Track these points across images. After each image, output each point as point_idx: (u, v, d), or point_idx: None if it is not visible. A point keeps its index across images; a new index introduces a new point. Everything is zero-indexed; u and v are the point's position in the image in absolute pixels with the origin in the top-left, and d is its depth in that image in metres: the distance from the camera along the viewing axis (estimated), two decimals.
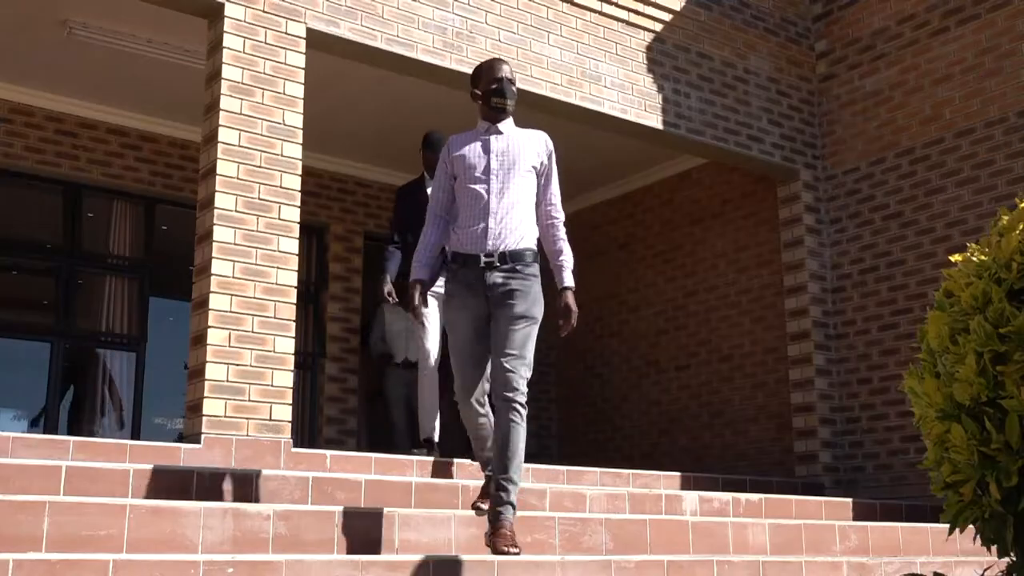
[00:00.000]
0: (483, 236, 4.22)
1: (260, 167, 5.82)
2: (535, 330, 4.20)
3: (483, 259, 4.21)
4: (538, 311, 4.21)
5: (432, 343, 6.15)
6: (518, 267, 4.20)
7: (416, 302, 4.31)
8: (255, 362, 5.58)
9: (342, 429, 9.29)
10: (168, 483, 4.41)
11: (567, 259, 4.40)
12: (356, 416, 9.42)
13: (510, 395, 4.04)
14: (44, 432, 8.21)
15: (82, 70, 7.86)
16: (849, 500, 6.72)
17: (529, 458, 10.03)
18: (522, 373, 4.08)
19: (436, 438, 6.30)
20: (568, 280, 4.36)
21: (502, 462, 4.03)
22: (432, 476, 5.68)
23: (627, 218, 10.08)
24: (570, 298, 4.30)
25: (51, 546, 3.43)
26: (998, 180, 7.43)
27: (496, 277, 4.19)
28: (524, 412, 4.06)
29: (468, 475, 5.87)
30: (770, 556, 4.88)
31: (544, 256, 4.46)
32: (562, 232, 4.45)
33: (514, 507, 4.02)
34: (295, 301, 5.85)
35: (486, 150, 4.39)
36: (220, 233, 5.62)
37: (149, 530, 3.63)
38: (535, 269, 4.26)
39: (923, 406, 2.49)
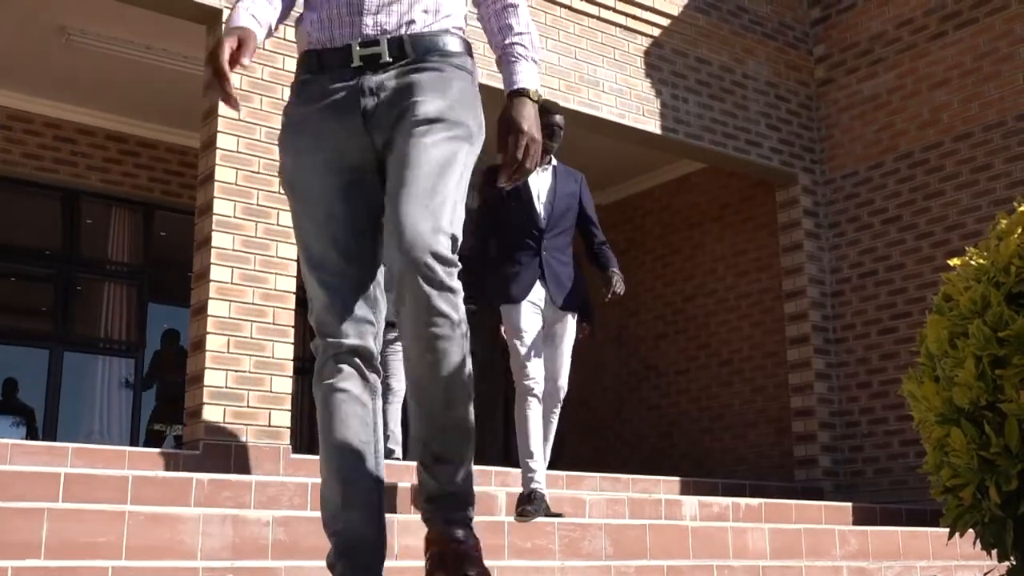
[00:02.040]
0: (356, 9, 2.26)
1: (258, 173, 5.82)
2: (464, 154, 2.21)
3: (357, 52, 2.25)
4: (469, 118, 2.25)
5: (535, 365, 4.84)
6: (430, 59, 2.26)
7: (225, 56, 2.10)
8: (254, 368, 5.57)
9: None
10: (167, 490, 4.40)
11: (527, 42, 2.33)
12: None
13: (424, 272, 2.05)
14: (43, 439, 8.20)
15: (80, 76, 7.87)
16: (849, 504, 6.71)
17: None
18: (443, 227, 2.10)
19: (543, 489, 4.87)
20: (524, 78, 2.29)
21: (429, 425, 2.13)
22: None
23: (626, 223, 10.08)
24: (523, 109, 2.22)
25: (50, 553, 3.42)
26: (996, 184, 7.43)
27: (384, 81, 2.24)
28: (456, 319, 2.08)
29: None
30: (770, 561, 4.87)
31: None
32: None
33: (460, 512, 2.16)
34: (294, 307, 5.84)
35: None
36: (219, 239, 5.62)
37: (148, 537, 3.62)
38: (463, 62, 2.32)
39: (922, 410, 2.49)
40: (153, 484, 4.37)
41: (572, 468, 7.09)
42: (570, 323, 5.03)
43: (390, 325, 5.61)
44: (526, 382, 4.84)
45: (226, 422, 5.44)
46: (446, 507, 2.14)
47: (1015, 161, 7.35)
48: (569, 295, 4.97)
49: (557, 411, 5.08)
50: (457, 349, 2.09)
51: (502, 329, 5.83)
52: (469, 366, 2.13)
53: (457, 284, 2.10)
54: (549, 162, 5.04)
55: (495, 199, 4.96)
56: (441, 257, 2.07)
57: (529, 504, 4.70)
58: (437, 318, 2.06)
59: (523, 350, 4.82)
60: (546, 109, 4.91)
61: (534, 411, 4.83)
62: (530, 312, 4.85)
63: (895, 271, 7.96)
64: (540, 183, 5.00)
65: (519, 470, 5.33)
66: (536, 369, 4.81)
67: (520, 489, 4.95)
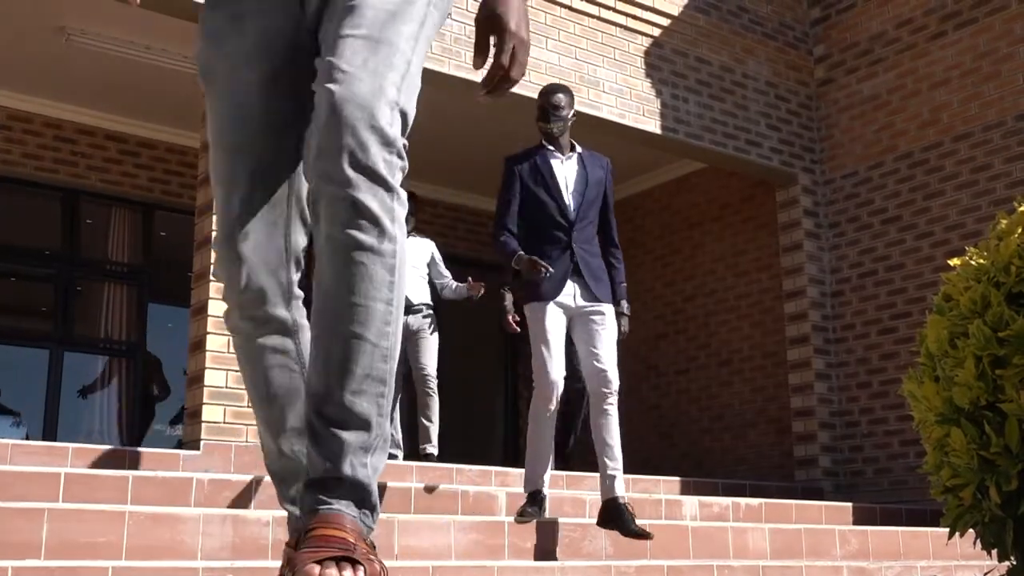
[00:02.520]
0: None
1: None
2: (424, 3, 1.67)
3: None
4: None
5: (557, 369, 4.61)
6: None
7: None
8: None
9: None
10: (167, 490, 4.40)
11: None
12: None
13: (351, 146, 1.51)
14: (43, 439, 8.20)
15: (80, 76, 7.87)
16: (849, 504, 6.71)
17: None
18: (386, 90, 1.56)
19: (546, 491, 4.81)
20: None
21: (325, 371, 1.56)
22: (432, 482, 5.67)
23: (626, 223, 10.07)
24: (509, 2, 1.70)
25: (50, 553, 3.42)
26: (996, 184, 7.43)
27: None
28: (389, 230, 1.53)
29: (468, 481, 5.87)
30: (770, 561, 4.87)
31: None
32: None
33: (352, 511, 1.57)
34: None
35: None
36: None
37: (148, 537, 3.62)
38: None
39: (922, 410, 2.49)
40: (153, 484, 4.37)
41: (573, 469, 7.09)
42: (609, 313, 4.66)
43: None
44: (546, 387, 4.56)
45: (226, 422, 5.44)
46: (330, 495, 1.51)
47: (1015, 161, 7.35)
48: (605, 286, 4.69)
49: (612, 405, 4.60)
50: (383, 273, 1.53)
51: (509, 317, 5.68)
52: (396, 307, 1.56)
53: (398, 183, 1.54)
54: (572, 148, 4.82)
55: (522, 191, 4.68)
56: (380, 132, 1.52)
57: (531, 506, 4.58)
58: (361, 220, 1.50)
59: (546, 353, 4.57)
60: (546, 89, 4.79)
61: (550, 417, 4.63)
62: (557, 314, 4.61)
63: (895, 271, 7.96)
64: (567, 171, 4.75)
65: (520, 470, 5.33)
66: (558, 373, 4.56)
67: (519, 490, 4.93)
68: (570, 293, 4.64)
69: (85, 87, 8.06)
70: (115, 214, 8.87)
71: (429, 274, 6.76)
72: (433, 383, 6.42)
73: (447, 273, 6.84)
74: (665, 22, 7.80)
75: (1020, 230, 2.43)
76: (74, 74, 7.82)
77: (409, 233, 6.32)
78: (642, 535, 4.39)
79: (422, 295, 6.59)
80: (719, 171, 9.11)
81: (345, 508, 1.50)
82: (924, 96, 7.95)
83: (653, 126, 7.60)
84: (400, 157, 1.55)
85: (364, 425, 1.53)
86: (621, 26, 7.58)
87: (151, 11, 6.10)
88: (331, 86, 1.52)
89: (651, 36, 7.73)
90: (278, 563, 3.48)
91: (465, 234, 10.34)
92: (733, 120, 8.05)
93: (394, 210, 1.53)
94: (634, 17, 7.64)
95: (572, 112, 4.81)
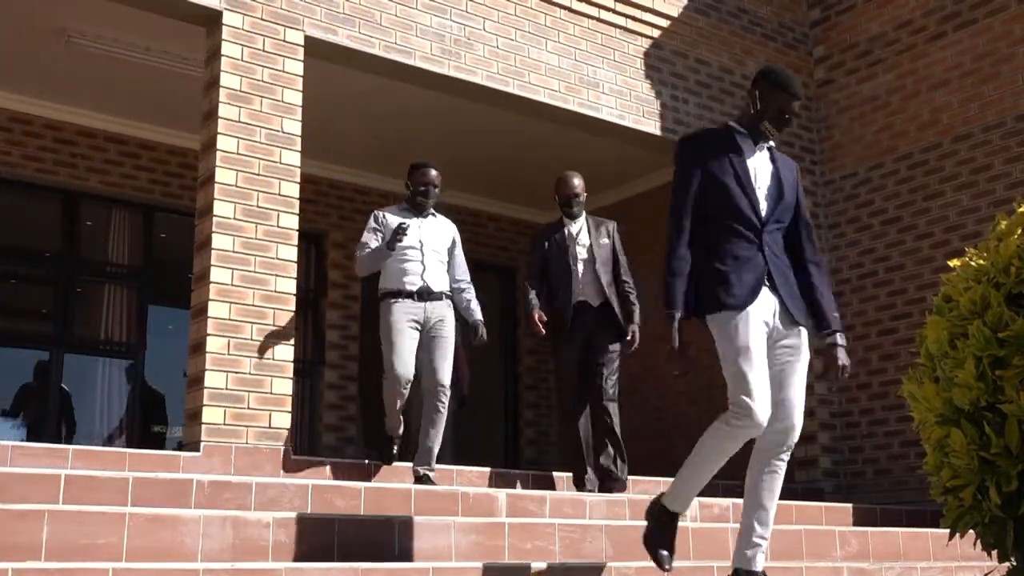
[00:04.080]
0: None
1: (259, 175, 5.82)
2: None
3: None
4: None
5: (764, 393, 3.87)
6: None
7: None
8: (254, 370, 5.57)
9: (341, 436, 9.28)
10: (167, 491, 4.40)
11: None
12: (355, 423, 9.41)
13: None
14: (43, 441, 8.20)
15: (80, 78, 7.87)
16: (849, 505, 6.71)
17: (528, 464, 10.07)
18: None
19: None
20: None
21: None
22: (433, 484, 5.67)
23: (625, 224, 10.07)
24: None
25: (50, 555, 3.42)
26: (996, 184, 7.43)
27: None
28: None
29: (467, 482, 5.87)
30: (770, 562, 4.87)
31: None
32: None
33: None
34: (294, 308, 5.84)
35: None
36: (219, 241, 5.62)
37: (148, 539, 3.62)
38: None
39: (923, 411, 2.49)
40: (153, 486, 4.37)
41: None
42: (805, 344, 3.83)
43: None
44: (759, 411, 3.77)
45: (226, 424, 5.44)
46: None
47: (1015, 162, 7.35)
48: (801, 306, 3.83)
49: (784, 463, 4.16)
50: None
51: (536, 315, 5.78)
52: None
53: None
54: (765, 139, 4.02)
55: (709, 172, 3.85)
56: None
57: (664, 544, 4.01)
58: None
59: (752, 374, 3.69)
60: (792, 93, 4.00)
61: (735, 446, 3.90)
62: (760, 324, 3.71)
63: (895, 272, 7.96)
64: (757, 163, 3.96)
65: (519, 471, 5.34)
66: (765, 400, 3.74)
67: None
68: (770, 305, 3.75)
69: (85, 89, 8.06)
70: (115, 216, 8.87)
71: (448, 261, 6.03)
72: (446, 396, 5.78)
73: (464, 265, 6.09)
74: (665, 23, 7.80)
75: (1020, 231, 2.43)
76: (74, 76, 7.82)
77: (427, 209, 5.99)
78: None
79: (442, 282, 5.91)
80: None
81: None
82: (924, 97, 7.95)
83: (653, 127, 7.60)
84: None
85: None
86: (621, 27, 7.59)
87: (152, 13, 6.11)
88: None
89: (651, 37, 7.73)
90: (279, 564, 3.48)
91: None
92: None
93: None
94: (633, 19, 7.64)
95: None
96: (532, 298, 6.18)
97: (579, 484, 6.15)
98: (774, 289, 3.75)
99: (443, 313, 5.85)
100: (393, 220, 5.86)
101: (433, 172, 6.02)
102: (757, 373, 3.68)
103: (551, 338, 6.28)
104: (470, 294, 6.07)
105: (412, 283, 5.80)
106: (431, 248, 5.91)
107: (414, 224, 5.88)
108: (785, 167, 4.05)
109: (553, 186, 6.42)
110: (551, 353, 6.63)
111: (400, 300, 5.76)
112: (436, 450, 5.75)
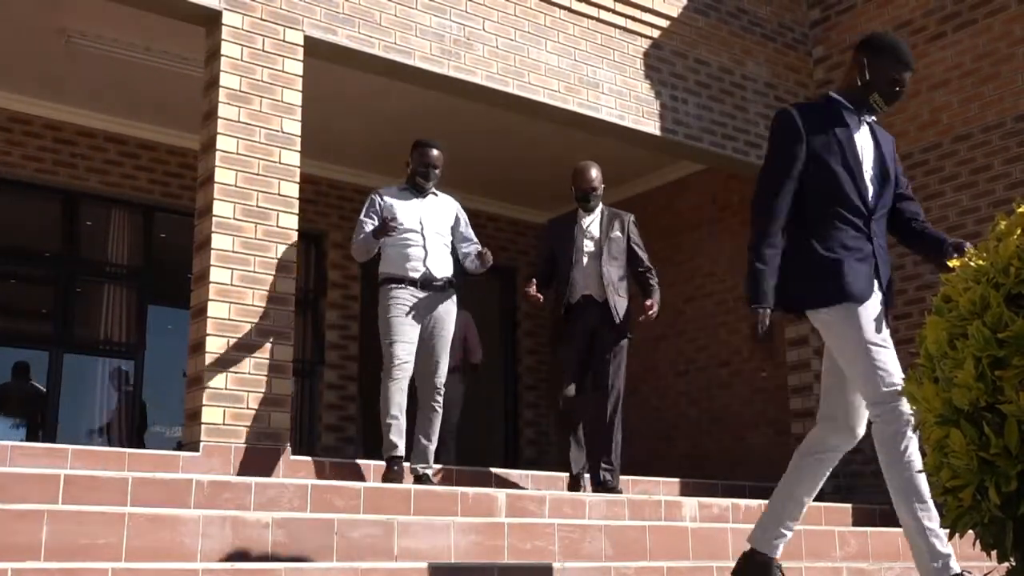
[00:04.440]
0: None
1: (258, 175, 5.82)
2: None
3: None
4: None
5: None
6: None
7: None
8: (254, 370, 5.57)
9: (341, 436, 9.29)
10: (167, 491, 4.40)
11: None
12: (355, 423, 9.41)
13: None
14: (43, 441, 8.20)
15: (80, 78, 7.87)
16: (848, 506, 6.71)
17: (528, 464, 10.05)
18: None
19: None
20: None
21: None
22: (431, 484, 5.67)
23: None
24: None
25: (49, 555, 3.42)
26: (996, 185, 7.43)
27: None
28: None
29: (467, 482, 5.87)
30: None
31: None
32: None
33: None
34: (294, 309, 5.84)
35: None
36: (218, 241, 5.62)
37: (148, 539, 3.62)
38: None
39: (922, 411, 2.49)
40: (153, 486, 4.37)
41: None
42: None
43: None
44: (904, 405, 3.37)
45: (226, 424, 5.44)
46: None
47: (1015, 162, 7.35)
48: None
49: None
50: None
51: (532, 288, 5.64)
52: None
53: None
54: (870, 113, 3.66)
55: (814, 150, 3.49)
56: None
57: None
58: None
59: (893, 363, 3.48)
60: (907, 63, 3.60)
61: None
62: (881, 314, 3.56)
63: (894, 272, 7.93)
64: (863, 141, 3.61)
65: (519, 471, 5.33)
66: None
67: None
68: (879, 299, 3.60)
69: (85, 89, 8.07)
70: (115, 216, 8.88)
71: (452, 240, 5.87)
72: (442, 395, 5.74)
73: (473, 236, 5.96)
74: (664, 23, 7.81)
75: (1019, 231, 2.43)
76: (74, 76, 7.83)
77: (428, 189, 5.79)
78: None
79: (445, 267, 5.71)
80: (718, 172, 9.11)
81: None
82: (923, 97, 7.96)
83: (652, 128, 7.60)
84: None
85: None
86: (620, 28, 7.59)
87: (151, 13, 6.11)
88: None
89: (650, 38, 7.74)
90: (278, 565, 3.48)
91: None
92: (732, 121, 8.06)
93: None
94: (633, 19, 7.64)
95: None
96: (532, 279, 6.01)
97: (573, 486, 6.08)
98: (880, 284, 3.58)
99: (445, 308, 5.69)
100: (391, 202, 5.71)
101: (435, 152, 5.80)
102: (895, 361, 3.44)
103: (552, 333, 6.24)
104: (477, 248, 5.84)
105: (415, 269, 5.62)
106: (433, 231, 5.73)
107: (414, 206, 5.74)
108: (886, 142, 3.72)
109: (570, 177, 6.27)
110: (551, 351, 6.70)
111: (402, 287, 5.60)
112: (433, 448, 5.71)
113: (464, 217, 5.97)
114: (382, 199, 5.77)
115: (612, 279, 6.08)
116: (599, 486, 5.90)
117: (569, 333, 6.03)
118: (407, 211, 5.73)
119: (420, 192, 5.80)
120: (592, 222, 6.18)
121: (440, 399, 5.71)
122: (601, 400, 5.99)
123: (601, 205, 6.24)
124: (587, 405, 6.06)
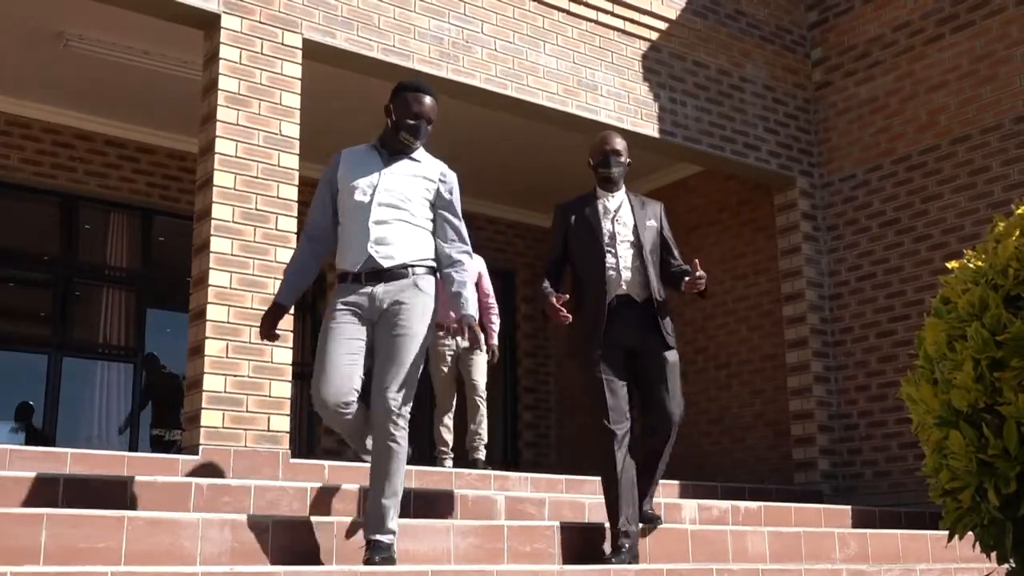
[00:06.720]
0: None
1: (257, 178, 5.82)
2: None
3: None
4: None
5: None
6: None
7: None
8: (253, 373, 5.57)
9: (340, 439, 9.28)
10: (166, 495, 4.40)
11: None
12: None
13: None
14: (42, 444, 8.19)
15: (79, 82, 7.87)
16: (848, 507, 6.71)
17: (528, 467, 10.04)
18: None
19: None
20: None
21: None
22: (430, 486, 5.67)
23: None
24: None
25: (49, 559, 3.42)
26: (994, 186, 7.44)
27: None
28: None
29: (467, 485, 5.87)
30: (769, 564, 4.87)
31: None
32: None
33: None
34: (292, 312, 5.84)
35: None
36: (217, 244, 5.62)
37: (147, 542, 3.62)
38: None
39: (921, 413, 2.49)
40: (152, 489, 4.37)
41: (572, 472, 7.09)
42: None
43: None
44: None
45: (225, 427, 5.44)
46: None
47: (1013, 163, 7.36)
48: None
49: None
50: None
51: (553, 300, 4.40)
52: None
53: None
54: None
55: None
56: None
57: None
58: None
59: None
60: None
61: None
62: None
63: (893, 274, 7.96)
64: None
65: (518, 474, 5.32)
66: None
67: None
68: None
69: (84, 92, 8.07)
70: (114, 219, 8.87)
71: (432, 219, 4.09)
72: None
73: (456, 226, 4.16)
74: (663, 26, 7.81)
75: (1017, 233, 2.43)
76: (73, 79, 7.83)
77: (414, 148, 4.11)
78: None
79: (405, 251, 3.93)
80: (717, 174, 9.11)
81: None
82: (921, 99, 7.96)
83: (651, 130, 7.60)
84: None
85: None
86: (619, 30, 7.59)
87: (150, 16, 6.11)
88: None
89: (649, 40, 7.74)
90: (278, 568, 3.48)
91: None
92: (731, 123, 8.06)
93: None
94: (631, 21, 7.65)
95: None
96: (546, 286, 4.68)
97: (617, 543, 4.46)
98: None
99: (402, 297, 3.98)
100: (352, 165, 4.13)
101: (428, 100, 4.16)
102: None
103: (569, 346, 4.89)
104: (461, 274, 4.13)
105: (354, 261, 4.02)
106: (385, 202, 4.02)
107: (372, 173, 4.08)
108: None
109: (588, 151, 4.99)
110: (577, 366, 4.88)
111: (342, 286, 4.06)
112: (392, 511, 3.84)
113: (454, 191, 4.31)
114: (341, 160, 4.17)
115: (653, 276, 4.78)
116: (646, 522, 4.76)
117: (604, 346, 4.62)
118: (363, 181, 4.08)
119: (396, 154, 4.14)
120: (621, 205, 4.85)
121: (398, 432, 3.94)
122: (660, 441, 4.74)
123: (624, 188, 4.95)
124: (637, 447, 4.79)
